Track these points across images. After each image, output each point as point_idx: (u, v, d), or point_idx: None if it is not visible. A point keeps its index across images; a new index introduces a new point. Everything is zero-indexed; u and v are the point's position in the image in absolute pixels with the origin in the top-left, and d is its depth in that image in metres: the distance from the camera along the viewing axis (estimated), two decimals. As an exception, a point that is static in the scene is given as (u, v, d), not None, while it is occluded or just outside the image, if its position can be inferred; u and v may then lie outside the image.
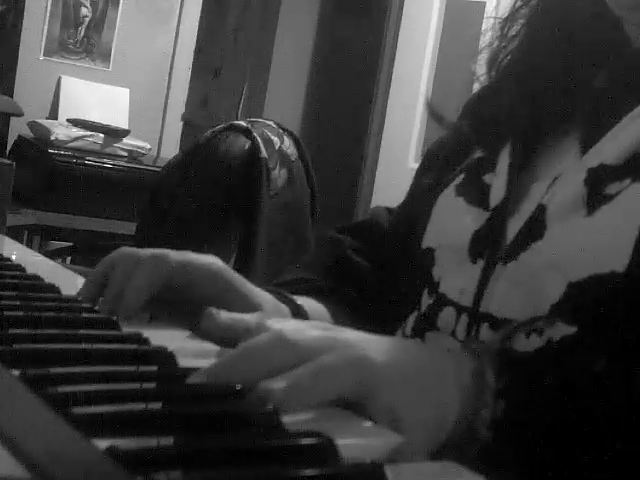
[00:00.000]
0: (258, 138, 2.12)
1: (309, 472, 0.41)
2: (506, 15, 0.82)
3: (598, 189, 0.66)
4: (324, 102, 4.67)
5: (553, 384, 0.54)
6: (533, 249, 0.68)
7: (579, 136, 0.72)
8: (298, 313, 0.81)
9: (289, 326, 0.56)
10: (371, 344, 0.54)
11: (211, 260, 0.75)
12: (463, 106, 0.87)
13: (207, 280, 0.73)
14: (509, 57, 0.82)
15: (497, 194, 0.74)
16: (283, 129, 2.24)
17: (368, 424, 0.49)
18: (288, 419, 0.47)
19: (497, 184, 0.75)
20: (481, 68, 0.84)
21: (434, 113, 0.88)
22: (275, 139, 2.18)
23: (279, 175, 2.16)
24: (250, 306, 0.73)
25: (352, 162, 4.38)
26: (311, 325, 0.57)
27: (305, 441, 0.43)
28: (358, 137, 4.36)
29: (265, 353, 0.52)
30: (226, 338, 0.64)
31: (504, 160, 0.76)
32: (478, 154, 0.81)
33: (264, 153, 2.11)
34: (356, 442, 0.46)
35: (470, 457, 0.52)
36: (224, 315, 0.65)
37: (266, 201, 2.11)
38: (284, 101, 4.56)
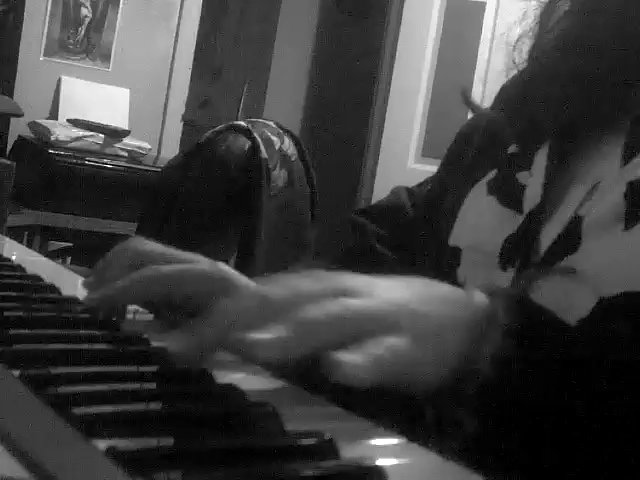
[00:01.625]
0: (258, 138, 2.12)
1: (309, 472, 0.41)
2: (546, 3, 0.78)
3: (638, 204, 0.63)
4: (324, 102, 4.67)
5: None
6: (567, 262, 0.65)
7: (623, 143, 0.68)
8: None
9: (272, 288, 0.53)
10: (370, 287, 0.53)
11: (209, 267, 0.68)
12: (498, 92, 0.83)
13: (204, 291, 0.66)
14: (551, 44, 0.77)
15: (532, 197, 0.71)
16: (283, 129, 2.25)
17: (368, 424, 0.49)
18: (288, 419, 0.47)
19: (532, 186, 0.72)
20: (522, 56, 0.79)
21: (469, 101, 0.85)
22: (275, 139, 2.18)
23: (279, 175, 2.16)
24: None
25: (352, 162, 4.38)
26: (298, 281, 0.54)
27: (305, 441, 0.43)
28: (358, 137, 4.36)
29: (246, 315, 0.51)
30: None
31: (541, 160, 0.73)
32: (512, 149, 0.77)
33: (264, 153, 2.11)
34: (357, 442, 0.46)
35: (467, 395, 0.51)
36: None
37: (266, 201, 2.11)
38: (284, 101, 4.56)
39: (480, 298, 0.54)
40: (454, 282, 0.74)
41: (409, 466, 0.45)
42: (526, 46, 0.79)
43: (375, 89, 4.28)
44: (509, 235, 0.71)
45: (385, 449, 0.46)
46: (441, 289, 0.56)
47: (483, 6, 4.00)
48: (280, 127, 2.24)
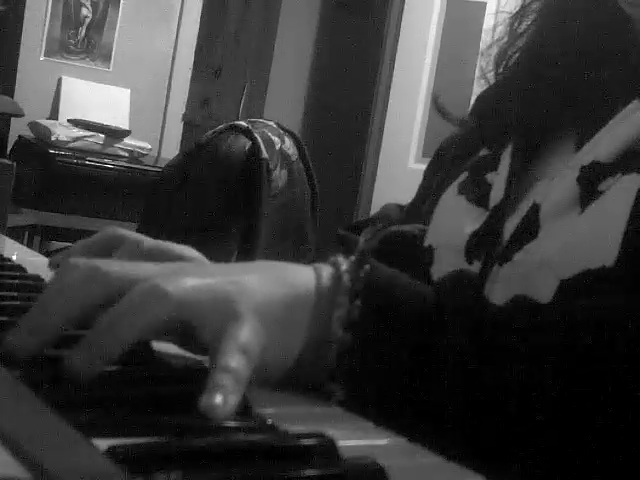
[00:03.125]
0: (259, 138, 2.12)
1: (310, 472, 0.41)
2: (516, 10, 0.82)
3: (591, 187, 0.65)
4: (324, 102, 4.67)
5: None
6: (527, 249, 0.68)
7: (575, 135, 0.72)
8: None
9: (102, 261, 0.53)
10: (208, 269, 0.53)
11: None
12: (473, 103, 0.87)
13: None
14: (517, 54, 0.81)
15: (496, 194, 0.74)
16: (284, 129, 2.24)
17: (369, 424, 0.49)
18: (288, 419, 0.47)
19: (497, 184, 0.75)
20: (489, 64, 0.83)
21: (440, 109, 0.88)
22: (276, 139, 2.18)
23: (279, 175, 2.16)
24: None
25: (352, 162, 4.38)
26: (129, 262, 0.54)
27: (306, 441, 0.43)
28: (358, 137, 4.36)
29: (76, 288, 0.50)
30: None
31: (506, 159, 0.76)
32: (483, 152, 0.80)
33: (265, 153, 2.11)
34: (357, 442, 0.46)
35: (330, 362, 0.53)
36: None
37: (266, 201, 2.11)
38: (284, 101, 4.56)
39: (326, 270, 0.55)
40: (429, 281, 0.77)
41: (409, 466, 0.45)
42: (494, 53, 0.82)
43: (375, 89, 4.28)
44: (474, 230, 0.74)
45: (385, 449, 0.46)
46: (285, 270, 0.56)
47: (483, 6, 4.00)
48: (280, 127, 2.24)
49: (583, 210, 0.65)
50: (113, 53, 3.98)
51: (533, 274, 0.66)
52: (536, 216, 0.68)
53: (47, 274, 0.77)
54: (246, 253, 2.11)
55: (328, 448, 0.43)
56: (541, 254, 0.66)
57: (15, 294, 0.69)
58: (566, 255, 0.64)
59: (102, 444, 0.40)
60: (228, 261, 2.19)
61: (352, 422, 0.49)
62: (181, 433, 0.44)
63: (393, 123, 4.19)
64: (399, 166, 4.12)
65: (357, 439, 0.46)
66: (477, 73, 0.84)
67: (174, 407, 0.48)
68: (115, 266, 0.51)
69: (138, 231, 0.80)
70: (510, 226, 0.71)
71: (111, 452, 0.39)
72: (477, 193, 0.76)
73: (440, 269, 0.76)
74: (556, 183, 0.69)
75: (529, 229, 0.68)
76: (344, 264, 0.55)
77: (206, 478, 0.39)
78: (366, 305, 0.54)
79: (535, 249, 0.67)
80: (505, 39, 0.81)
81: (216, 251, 2.12)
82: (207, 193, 2.09)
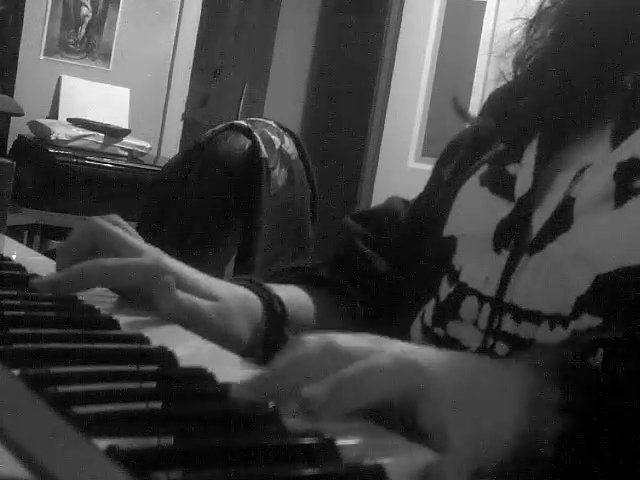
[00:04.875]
0: (258, 138, 2.12)
1: (309, 472, 0.41)
2: (534, 15, 0.83)
3: (627, 183, 0.66)
4: (324, 102, 4.67)
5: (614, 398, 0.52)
6: (560, 240, 0.68)
7: (610, 131, 0.72)
8: (271, 305, 0.79)
9: (337, 336, 0.53)
10: (424, 353, 0.51)
11: (149, 261, 0.73)
12: (485, 102, 0.88)
13: (148, 283, 0.71)
14: (535, 56, 0.82)
15: (523, 185, 0.74)
16: (283, 129, 2.24)
17: (369, 424, 0.49)
18: (289, 419, 0.47)
19: (523, 175, 0.75)
20: (508, 66, 0.84)
21: (459, 109, 0.89)
22: (275, 139, 2.17)
23: (279, 175, 2.15)
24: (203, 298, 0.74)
25: (352, 162, 4.38)
26: (358, 337, 0.54)
27: (305, 441, 0.43)
28: (358, 137, 4.36)
29: (313, 359, 0.50)
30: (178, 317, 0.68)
31: (531, 152, 0.76)
32: (502, 147, 0.81)
33: (264, 153, 2.11)
34: (357, 442, 0.46)
35: (533, 478, 0.50)
36: (181, 295, 0.69)
37: (266, 201, 2.11)
38: (284, 101, 4.56)
39: (527, 376, 0.52)
40: (450, 270, 0.77)
41: (409, 466, 0.45)
42: (512, 57, 0.84)
43: (375, 89, 4.28)
44: (502, 219, 0.74)
45: (385, 449, 0.46)
46: (493, 365, 0.55)
47: (483, 6, 3.99)
48: (280, 126, 2.24)
49: (618, 205, 0.65)
50: (113, 52, 3.97)
51: (566, 265, 0.66)
52: (570, 208, 0.69)
53: (46, 273, 0.77)
54: (246, 252, 2.11)
55: (328, 448, 0.43)
56: (577, 246, 0.66)
57: (15, 293, 0.69)
58: (603, 249, 0.64)
59: (102, 444, 0.40)
60: (227, 260, 2.19)
61: (352, 422, 0.49)
62: (181, 432, 0.44)
63: (393, 122, 4.19)
64: (399, 165, 4.12)
65: (357, 439, 0.46)
66: (494, 75, 0.86)
67: (175, 407, 0.48)
68: (348, 342, 0.51)
69: (138, 230, 0.81)
70: (540, 217, 0.71)
71: (111, 452, 0.39)
72: (501, 185, 0.77)
73: (464, 259, 0.77)
74: (591, 177, 0.69)
75: (562, 221, 0.69)
76: (549, 374, 0.52)
77: (206, 478, 0.39)
78: (576, 420, 0.50)
79: (569, 241, 0.67)
80: (522, 42, 0.83)
81: (216, 250, 2.12)
82: (207, 192, 2.09)
